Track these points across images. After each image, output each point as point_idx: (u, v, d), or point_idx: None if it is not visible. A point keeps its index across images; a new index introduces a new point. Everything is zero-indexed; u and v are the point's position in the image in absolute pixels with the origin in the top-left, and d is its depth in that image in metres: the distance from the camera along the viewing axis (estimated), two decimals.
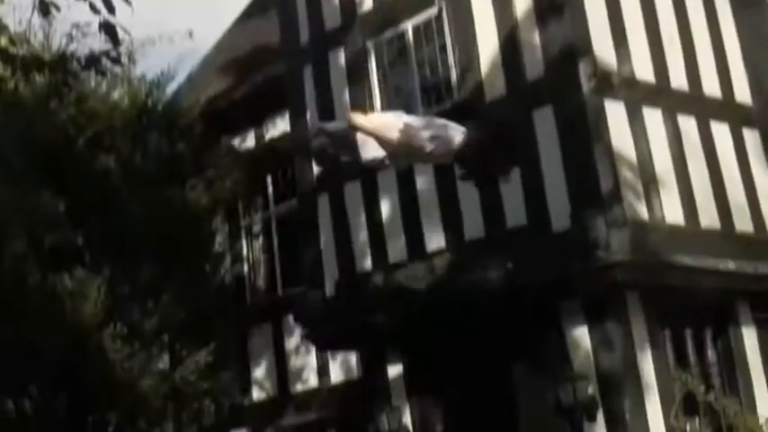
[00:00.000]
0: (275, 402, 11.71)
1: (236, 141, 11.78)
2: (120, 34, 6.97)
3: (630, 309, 7.27)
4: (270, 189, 11.70)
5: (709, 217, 7.78)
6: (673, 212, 7.56)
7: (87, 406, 10.99)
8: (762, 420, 7.68)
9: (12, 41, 7.79)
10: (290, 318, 10.18)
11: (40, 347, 10.08)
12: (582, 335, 7.37)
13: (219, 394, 11.46)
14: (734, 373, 7.93)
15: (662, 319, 7.42)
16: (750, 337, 7.92)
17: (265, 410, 11.80)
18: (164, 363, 11.42)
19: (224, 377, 11.46)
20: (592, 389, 7.24)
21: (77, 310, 9.97)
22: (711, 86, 8.40)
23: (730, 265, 7.10)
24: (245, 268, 12.04)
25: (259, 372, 11.95)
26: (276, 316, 11.50)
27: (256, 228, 12.01)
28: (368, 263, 8.66)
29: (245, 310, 11.58)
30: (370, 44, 8.92)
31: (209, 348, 11.06)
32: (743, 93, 8.59)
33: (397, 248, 8.39)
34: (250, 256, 12.01)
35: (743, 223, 8.03)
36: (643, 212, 7.37)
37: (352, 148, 3.98)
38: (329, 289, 9.15)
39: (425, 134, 3.89)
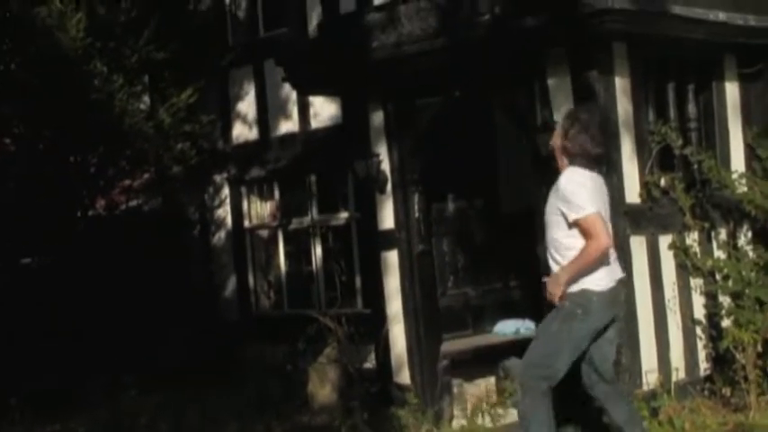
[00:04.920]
0: (256, 146, 11.80)
1: None
2: None
3: (616, 59, 7.17)
4: None
5: None
6: None
7: (69, 145, 11.08)
8: (735, 175, 7.81)
9: None
10: (272, 60, 10.03)
11: (23, 83, 10.05)
12: (565, 85, 7.31)
13: (200, 137, 11.55)
14: (712, 128, 7.97)
15: (646, 71, 7.35)
16: (732, 92, 7.89)
17: (246, 155, 11.91)
18: (145, 104, 11.43)
19: (205, 120, 11.51)
20: None
21: (57, 43, 9.84)
22: None
23: (720, 15, 6.98)
24: (227, 5, 11.83)
25: (240, 115, 11.98)
26: (257, 58, 11.40)
27: None
28: (352, 3, 8.47)
29: (225, 51, 11.45)
30: None
31: (191, 90, 11.04)
32: None
33: None
34: None
35: None
36: None
37: None
38: (312, 30, 9.00)
39: None
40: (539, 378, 5.69)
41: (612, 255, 5.76)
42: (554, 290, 5.68)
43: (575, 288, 5.63)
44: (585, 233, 5.58)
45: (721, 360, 7.32)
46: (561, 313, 5.66)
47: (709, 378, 7.44)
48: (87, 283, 10.95)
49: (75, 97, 10.13)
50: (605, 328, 5.72)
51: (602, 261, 5.62)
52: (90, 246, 11.15)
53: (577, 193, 5.60)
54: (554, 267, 5.74)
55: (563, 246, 5.67)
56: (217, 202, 12.34)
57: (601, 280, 5.64)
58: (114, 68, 10.40)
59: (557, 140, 5.84)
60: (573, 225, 5.61)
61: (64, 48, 9.96)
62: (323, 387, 9.28)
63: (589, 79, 7.14)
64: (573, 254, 5.61)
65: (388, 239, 8.43)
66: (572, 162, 5.74)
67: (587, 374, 5.77)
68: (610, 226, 5.82)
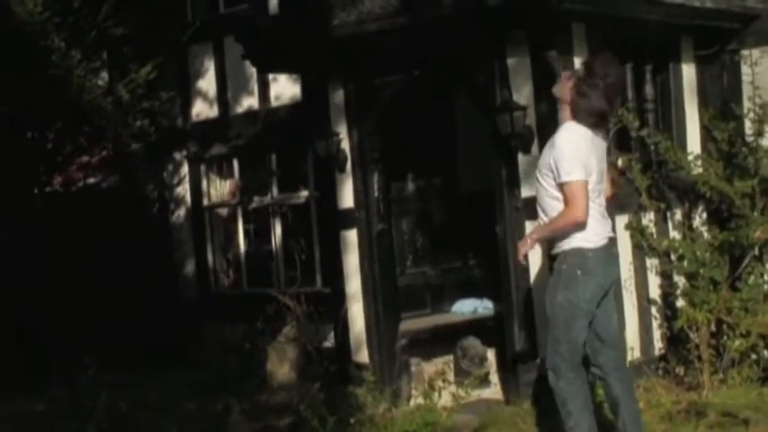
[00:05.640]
0: (216, 124, 11.75)
1: None
2: None
3: (575, 40, 7.20)
4: None
5: None
6: None
7: (27, 121, 10.96)
8: (691, 157, 7.89)
9: None
10: (232, 37, 9.95)
11: None
12: (524, 65, 7.33)
13: (159, 114, 11.46)
14: (669, 110, 8.04)
15: (605, 52, 7.38)
16: (689, 73, 7.97)
17: (206, 132, 11.86)
18: (104, 80, 11.32)
19: (164, 97, 11.42)
20: (529, 120, 7.28)
21: (14, 18, 9.70)
22: None
23: None
24: None
25: (200, 92, 11.90)
26: (217, 34, 11.33)
27: None
28: None
29: (185, 27, 11.35)
30: None
31: (150, 66, 10.95)
32: None
33: None
34: None
35: None
36: None
37: None
38: (273, 7, 8.94)
39: None
40: (565, 355, 5.54)
41: (605, 212, 5.68)
42: (521, 247, 5.70)
43: (567, 247, 5.53)
44: (566, 199, 5.46)
45: (676, 339, 7.41)
46: (561, 280, 5.55)
47: (663, 357, 7.54)
48: (44, 260, 10.85)
49: (33, 73, 10.01)
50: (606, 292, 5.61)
51: (577, 227, 5.48)
52: (47, 222, 11.05)
53: (570, 156, 5.42)
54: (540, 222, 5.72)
55: (548, 205, 5.59)
56: (176, 180, 12.27)
57: (594, 236, 5.52)
58: (72, 44, 10.28)
59: (565, 92, 5.58)
60: (559, 186, 5.51)
61: (21, 22, 9.82)
62: (282, 366, 9.29)
63: (548, 59, 7.16)
64: (555, 214, 5.54)
65: (347, 218, 8.43)
66: (575, 117, 5.53)
67: (590, 341, 5.62)
68: (605, 187, 5.73)
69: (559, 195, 5.51)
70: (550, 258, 5.93)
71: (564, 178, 5.43)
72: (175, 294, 12.00)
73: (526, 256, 5.79)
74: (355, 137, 8.35)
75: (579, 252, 5.51)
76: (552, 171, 5.49)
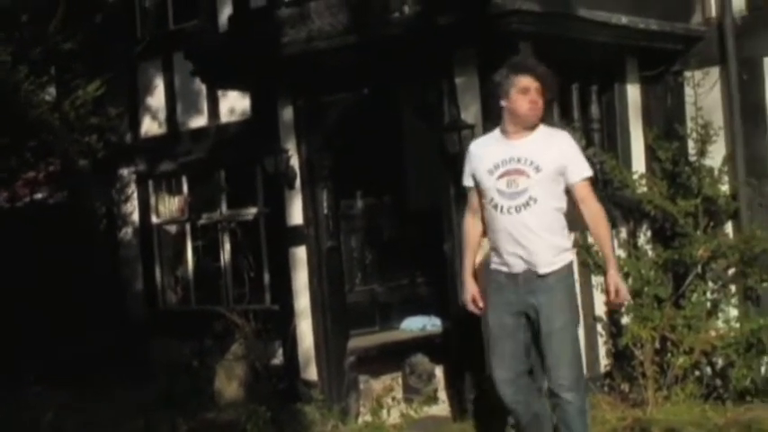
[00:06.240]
0: (165, 140, 11.69)
1: None
2: None
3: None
4: None
5: None
6: None
7: None
8: (636, 176, 8.00)
9: None
10: (181, 54, 9.93)
11: None
12: (473, 85, 7.40)
13: (107, 130, 11.39)
14: (614, 129, 8.15)
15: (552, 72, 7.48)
16: (634, 94, 8.08)
17: (155, 149, 11.80)
18: (51, 96, 11.24)
19: (112, 113, 11.36)
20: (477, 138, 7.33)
21: None
22: None
23: (623, 19, 7.13)
24: None
25: (149, 108, 11.85)
26: (167, 50, 11.29)
27: None
28: None
29: (134, 43, 11.31)
30: None
31: (98, 82, 10.89)
32: None
33: None
34: None
35: None
36: None
37: None
38: (223, 24, 8.95)
39: None
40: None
41: None
42: (626, 294, 5.35)
43: (562, 263, 5.27)
44: (583, 197, 5.24)
45: (621, 356, 7.48)
46: (567, 298, 5.30)
47: (609, 374, 7.61)
48: None
49: None
50: None
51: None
52: None
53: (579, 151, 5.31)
54: (535, 246, 5.21)
55: (554, 219, 5.24)
56: (124, 197, 12.18)
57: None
58: (19, 59, 10.19)
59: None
60: (567, 190, 5.23)
61: None
62: (230, 384, 9.24)
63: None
64: (559, 227, 5.26)
65: (296, 235, 8.43)
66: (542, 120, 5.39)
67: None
68: None
69: (563, 205, 5.29)
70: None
71: (587, 173, 5.27)
72: (123, 311, 11.89)
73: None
74: (304, 154, 8.37)
75: (571, 266, 5.37)
76: (562, 174, 5.23)
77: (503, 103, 5.32)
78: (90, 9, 10.99)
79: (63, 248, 11.45)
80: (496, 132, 5.46)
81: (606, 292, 5.43)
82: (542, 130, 5.36)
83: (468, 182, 5.49)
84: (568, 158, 5.26)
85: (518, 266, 5.27)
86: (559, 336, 5.22)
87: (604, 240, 5.37)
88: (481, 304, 5.46)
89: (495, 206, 5.27)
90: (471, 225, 5.53)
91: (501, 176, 5.25)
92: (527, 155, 5.23)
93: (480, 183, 5.36)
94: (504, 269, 5.33)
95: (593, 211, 5.30)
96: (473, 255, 5.54)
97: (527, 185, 5.20)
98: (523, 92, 5.26)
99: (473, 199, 5.48)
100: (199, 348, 9.88)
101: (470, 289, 5.47)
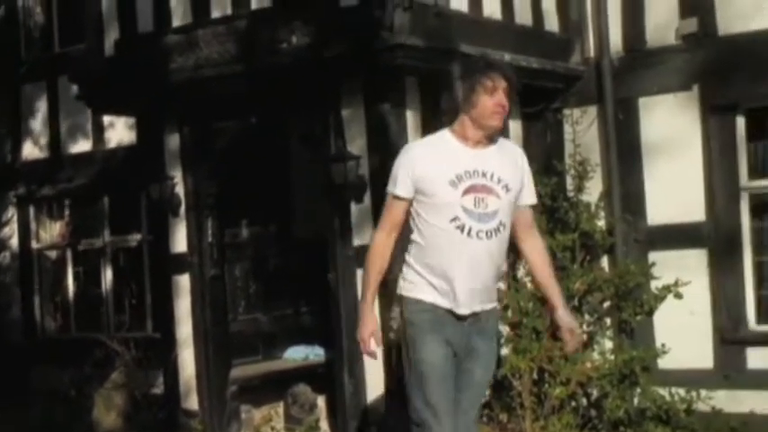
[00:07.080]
0: (47, 164, 11.49)
1: None
2: None
3: (408, 93, 7.39)
4: None
5: (491, 6, 7.93)
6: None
7: None
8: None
9: None
10: (66, 77, 9.79)
11: None
12: (359, 116, 7.48)
13: None
14: None
15: (436, 106, 7.61)
16: (515, 129, 8.23)
17: (37, 173, 11.57)
18: None
19: None
20: (362, 170, 7.42)
21: None
22: None
23: (506, 56, 7.31)
24: (20, 19, 11.51)
25: (31, 132, 11.63)
26: (52, 74, 11.11)
27: None
28: (150, 23, 8.41)
29: (17, 65, 11.11)
30: None
31: None
32: None
33: (180, 11, 8.18)
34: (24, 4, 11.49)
35: (523, 15, 8.24)
36: None
37: None
38: (109, 48, 8.87)
39: None
40: None
41: None
42: (579, 343, 4.95)
43: (496, 299, 4.67)
44: (528, 222, 4.60)
45: (500, 387, 7.59)
46: (497, 337, 4.85)
47: (488, 404, 7.71)
48: None
49: None
50: None
51: None
52: None
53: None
54: (490, 280, 4.50)
55: (505, 241, 4.51)
56: (3, 220, 11.89)
57: None
58: None
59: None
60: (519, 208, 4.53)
61: None
62: (108, 413, 9.07)
63: (381, 111, 7.33)
64: (505, 249, 4.54)
65: (180, 263, 8.36)
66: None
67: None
68: None
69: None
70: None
71: (534, 198, 4.69)
72: (0, 339, 11.57)
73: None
74: (190, 181, 8.33)
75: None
76: (516, 196, 4.52)
77: (465, 102, 4.44)
78: None
79: None
80: (446, 135, 4.53)
81: (562, 334, 4.69)
82: (501, 141, 4.62)
83: (401, 191, 4.45)
84: (527, 178, 4.59)
85: (469, 305, 4.47)
86: (486, 384, 4.76)
87: (552, 272, 4.69)
88: (375, 347, 4.59)
89: (461, 228, 4.35)
90: (384, 245, 4.52)
91: (467, 192, 4.37)
92: (492, 170, 4.43)
93: (434, 195, 4.39)
94: (446, 305, 4.46)
95: (539, 239, 4.69)
96: (377, 282, 4.57)
97: (497, 207, 4.40)
98: (491, 92, 4.41)
99: (397, 212, 4.48)
100: (78, 376, 9.68)
101: (370, 325, 4.54)
